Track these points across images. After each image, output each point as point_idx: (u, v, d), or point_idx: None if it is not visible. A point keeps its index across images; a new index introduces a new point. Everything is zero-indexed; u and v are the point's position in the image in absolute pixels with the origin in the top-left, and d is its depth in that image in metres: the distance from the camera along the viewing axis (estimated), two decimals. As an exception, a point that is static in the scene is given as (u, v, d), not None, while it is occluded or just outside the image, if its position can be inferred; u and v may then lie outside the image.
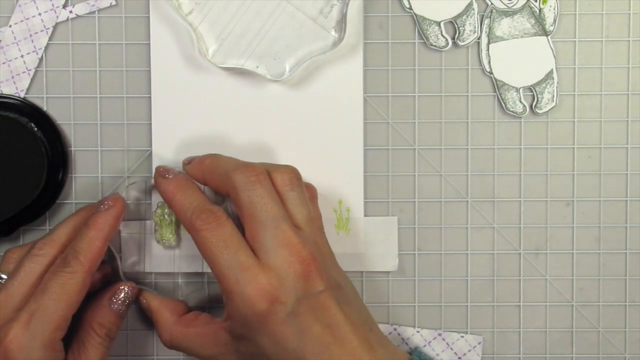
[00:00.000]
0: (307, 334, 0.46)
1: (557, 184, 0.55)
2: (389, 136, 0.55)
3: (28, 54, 0.54)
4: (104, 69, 0.54)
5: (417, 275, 0.55)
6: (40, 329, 0.47)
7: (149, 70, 0.54)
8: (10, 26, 0.54)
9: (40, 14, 0.54)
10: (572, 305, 0.56)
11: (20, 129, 0.53)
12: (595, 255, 0.55)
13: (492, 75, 0.55)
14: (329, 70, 0.54)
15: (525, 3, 0.54)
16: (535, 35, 0.54)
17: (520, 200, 0.55)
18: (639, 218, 0.55)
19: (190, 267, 0.54)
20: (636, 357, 0.56)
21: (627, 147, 0.55)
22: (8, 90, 0.54)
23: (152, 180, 0.53)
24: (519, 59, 0.54)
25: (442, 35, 0.54)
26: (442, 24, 0.54)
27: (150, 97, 0.54)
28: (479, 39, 0.54)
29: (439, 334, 0.55)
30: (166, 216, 0.53)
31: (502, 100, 0.54)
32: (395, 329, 0.55)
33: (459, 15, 0.54)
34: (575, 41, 0.55)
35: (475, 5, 0.54)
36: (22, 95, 0.54)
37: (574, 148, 0.55)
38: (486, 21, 0.54)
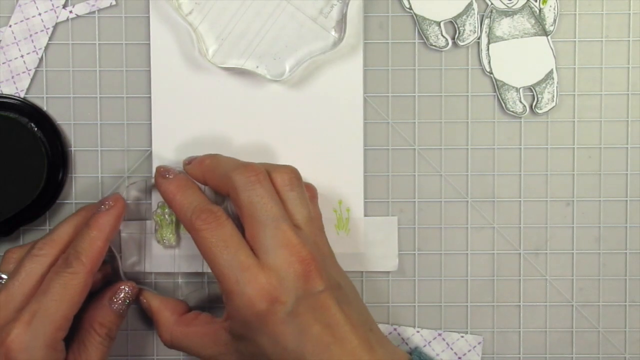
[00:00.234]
0: (307, 334, 0.46)
1: (557, 184, 0.55)
2: (389, 136, 0.55)
3: (28, 54, 0.54)
4: (104, 69, 0.54)
5: (417, 275, 0.55)
6: (42, 329, 0.47)
7: (149, 70, 0.54)
8: (10, 26, 0.54)
9: (40, 14, 0.54)
10: (572, 305, 0.56)
11: (20, 129, 0.53)
12: (595, 255, 0.55)
13: (492, 75, 0.55)
14: (329, 70, 0.54)
15: (525, 3, 0.54)
16: (535, 35, 0.54)
17: (520, 200, 0.55)
18: (639, 218, 0.55)
19: (190, 267, 0.54)
20: (636, 357, 0.56)
21: (627, 147, 0.55)
22: (8, 90, 0.54)
23: (152, 180, 0.53)
24: (519, 59, 0.54)
25: (442, 35, 0.54)
26: (442, 24, 0.54)
27: (150, 97, 0.54)
28: (479, 39, 0.54)
29: (439, 334, 0.55)
30: (166, 216, 0.53)
31: (502, 100, 0.54)
32: (395, 329, 0.55)
33: (459, 15, 0.54)
34: (575, 41, 0.55)
35: (475, 5, 0.54)
36: (22, 95, 0.54)
37: (574, 148, 0.55)
38: (486, 21, 0.54)
